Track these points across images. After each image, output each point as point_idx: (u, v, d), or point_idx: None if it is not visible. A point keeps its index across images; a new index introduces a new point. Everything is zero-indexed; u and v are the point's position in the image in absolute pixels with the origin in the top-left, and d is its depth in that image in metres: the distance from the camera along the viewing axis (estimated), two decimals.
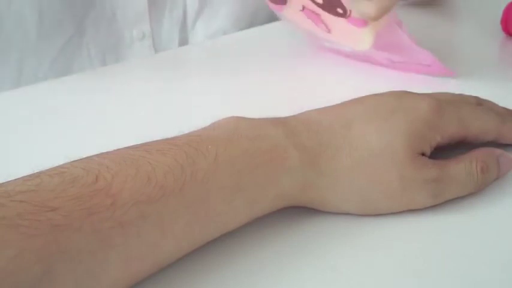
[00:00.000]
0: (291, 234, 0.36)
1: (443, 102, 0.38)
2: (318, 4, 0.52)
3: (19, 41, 0.64)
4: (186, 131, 0.35)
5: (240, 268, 0.33)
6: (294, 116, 0.38)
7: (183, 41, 0.72)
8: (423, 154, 0.37)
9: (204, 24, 0.72)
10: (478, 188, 0.38)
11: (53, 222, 0.27)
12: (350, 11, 0.50)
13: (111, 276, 0.29)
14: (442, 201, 0.37)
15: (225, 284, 0.32)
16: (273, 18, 0.67)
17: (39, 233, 0.27)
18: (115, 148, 0.33)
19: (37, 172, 0.30)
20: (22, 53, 0.64)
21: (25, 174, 0.30)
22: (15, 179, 0.29)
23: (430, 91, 0.41)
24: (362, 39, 0.53)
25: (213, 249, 0.34)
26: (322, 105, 0.39)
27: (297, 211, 0.36)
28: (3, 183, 0.29)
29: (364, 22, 0.50)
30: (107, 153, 0.32)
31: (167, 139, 0.34)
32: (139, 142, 0.33)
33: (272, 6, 0.58)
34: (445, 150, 0.38)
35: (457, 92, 0.43)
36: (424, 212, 0.37)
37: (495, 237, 0.35)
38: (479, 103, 0.42)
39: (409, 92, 0.39)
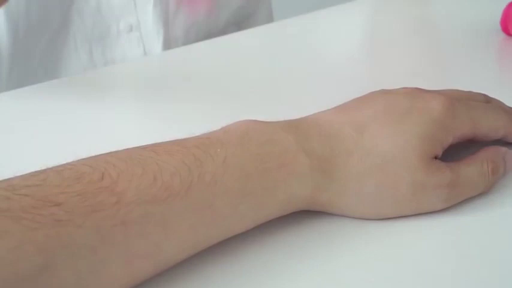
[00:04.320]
0: (296, 237, 0.35)
1: (454, 101, 0.38)
2: None
3: (9, 36, 0.64)
4: (197, 134, 0.35)
5: (238, 269, 0.33)
6: (305, 118, 0.37)
7: (166, 34, 0.72)
8: (435, 157, 0.36)
9: (184, 16, 0.72)
10: (488, 188, 0.38)
11: (56, 217, 0.27)
12: None
13: (112, 274, 0.29)
14: (453, 204, 0.36)
15: (221, 284, 0.32)
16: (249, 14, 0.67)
17: (41, 226, 0.27)
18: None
19: (44, 169, 0.30)
20: (12, 48, 0.65)
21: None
22: (22, 175, 0.29)
23: None
24: None
25: (211, 249, 0.33)
26: None
27: (302, 213, 0.36)
28: (9, 178, 0.29)
29: None
30: (115, 152, 0.32)
31: (176, 140, 0.33)
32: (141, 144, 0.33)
33: None
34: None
35: None
36: (431, 214, 0.36)
37: (500, 237, 0.35)
38: (487, 101, 0.42)
39: (420, 90, 0.39)
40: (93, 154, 0.32)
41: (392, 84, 0.40)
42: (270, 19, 0.86)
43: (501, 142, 0.40)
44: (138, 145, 0.33)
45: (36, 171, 0.30)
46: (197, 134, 0.35)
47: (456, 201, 0.37)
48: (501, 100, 0.43)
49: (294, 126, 0.36)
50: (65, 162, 0.30)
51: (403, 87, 0.39)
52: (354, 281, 0.32)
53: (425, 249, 0.34)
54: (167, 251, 0.31)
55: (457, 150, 0.38)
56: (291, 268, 0.33)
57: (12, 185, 0.28)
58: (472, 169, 0.37)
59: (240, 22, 0.80)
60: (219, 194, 0.32)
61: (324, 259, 0.34)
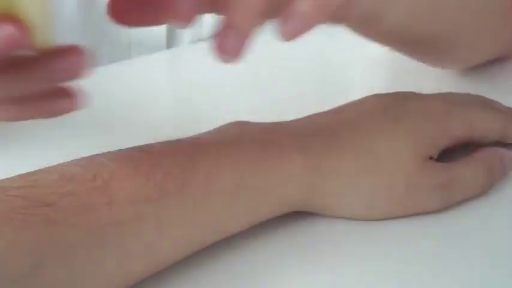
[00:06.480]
0: (290, 238, 0.35)
1: (451, 104, 0.38)
2: None
3: None
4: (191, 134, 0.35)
5: (234, 269, 0.33)
6: (299, 119, 0.37)
7: None
8: (431, 157, 0.36)
9: None
10: (485, 190, 0.37)
11: (48, 217, 0.27)
12: None
13: (106, 274, 0.29)
14: (448, 205, 0.36)
15: (217, 285, 0.32)
16: None
17: (32, 226, 0.27)
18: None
19: (35, 170, 0.30)
20: None
21: None
22: (12, 177, 0.29)
23: None
24: None
25: (207, 250, 0.33)
26: None
27: (297, 213, 0.36)
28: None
29: None
30: (107, 153, 0.32)
31: (170, 141, 0.33)
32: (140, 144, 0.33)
33: None
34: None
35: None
36: (428, 216, 0.36)
37: (497, 239, 0.35)
38: (484, 102, 0.41)
39: (416, 93, 0.39)
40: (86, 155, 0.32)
41: (389, 86, 0.41)
42: None
43: (500, 144, 0.40)
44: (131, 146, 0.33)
45: (27, 173, 0.30)
46: (190, 135, 0.35)
47: (451, 202, 0.36)
48: (500, 101, 0.43)
49: (288, 127, 0.36)
50: (56, 164, 0.31)
51: (399, 91, 0.39)
52: (351, 282, 0.32)
53: (421, 250, 0.34)
54: (162, 251, 0.31)
55: (455, 152, 0.38)
56: (286, 268, 0.33)
57: (2, 187, 0.28)
58: (468, 170, 0.37)
59: None
60: (212, 194, 0.32)
61: (319, 260, 0.34)
